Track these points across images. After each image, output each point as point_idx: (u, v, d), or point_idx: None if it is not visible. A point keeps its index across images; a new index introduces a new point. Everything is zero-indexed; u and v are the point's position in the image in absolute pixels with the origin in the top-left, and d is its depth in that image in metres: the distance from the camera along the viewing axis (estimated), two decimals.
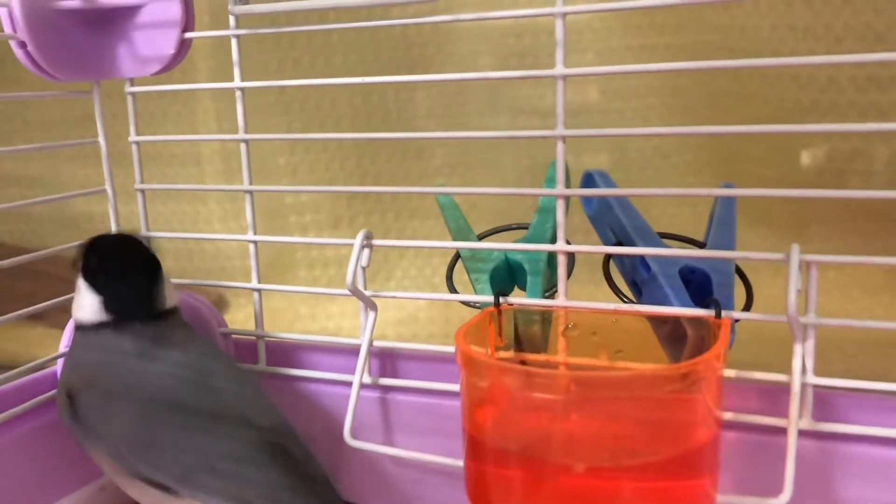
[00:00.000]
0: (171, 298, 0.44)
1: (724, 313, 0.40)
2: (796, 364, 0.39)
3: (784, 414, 0.39)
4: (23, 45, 0.45)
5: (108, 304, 0.42)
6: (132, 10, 0.49)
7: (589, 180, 0.48)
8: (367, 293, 0.46)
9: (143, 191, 0.53)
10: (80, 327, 0.43)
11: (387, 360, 0.49)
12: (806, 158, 0.65)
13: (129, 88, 0.52)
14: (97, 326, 0.42)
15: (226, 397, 0.41)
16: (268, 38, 0.72)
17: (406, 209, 0.77)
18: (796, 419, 0.38)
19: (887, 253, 0.38)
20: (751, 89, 0.65)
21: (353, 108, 0.74)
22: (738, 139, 0.67)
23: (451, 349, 0.42)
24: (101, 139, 0.52)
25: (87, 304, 0.42)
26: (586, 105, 0.71)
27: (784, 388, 0.39)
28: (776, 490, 0.37)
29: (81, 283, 0.43)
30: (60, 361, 0.49)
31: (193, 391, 0.41)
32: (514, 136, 0.45)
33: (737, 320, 0.41)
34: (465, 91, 0.74)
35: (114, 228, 0.53)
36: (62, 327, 0.50)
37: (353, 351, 0.48)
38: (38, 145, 0.50)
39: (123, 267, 0.43)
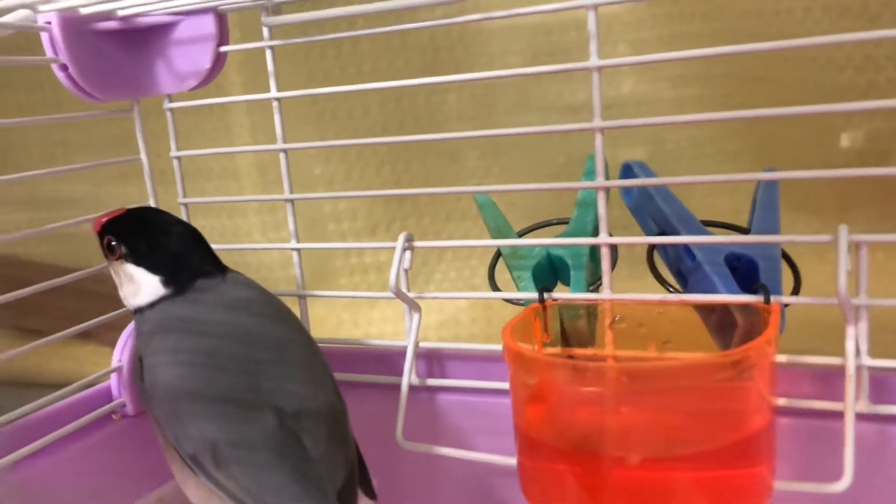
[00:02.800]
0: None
1: (773, 298, 0.39)
2: (850, 346, 0.38)
3: (839, 398, 0.38)
4: (64, 67, 0.46)
5: (168, 280, 0.41)
6: (168, 27, 0.49)
7: (628, 171, 0.48)
8: (411, 295, 0.47)
9: (186, 205, 0.54)
10: (138, 310, 0.42)
11: (433, 361, 0.49)
12: (846, 140, 0.64)
13: (167, 105, 0.52)
14: (157, 302, 0.41)
15: (258, 372, 0.38)
16: (298, 50, 0.73)
17: (442, 212, 0.77)
18: (853, 402, 0.37)
19: None
20: (786, 74, 0.64)
21: (385, 114, 0.75)
22: (776, 124, 0.66)
23: (497, 347, 0.42)
24: (143, 156, 0.52)
25: (145, 289, 0.41)
26: (620, 98, 0.71)
27: (837, 372, 0.39)
28: (835, 475, 0.37)
29: (132, 270, 0.41)
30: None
31: (225, 362, 0.38)
32: (552, 130, 0.44)
33: (786, 305, 0.40)
34: (495, 91, 0.74)
35: None
36: (111, 344, 0.50)
37: (399, 353, 0.48)
38: (83, 165, 0.51)
39: (170, 238, 0.42)
